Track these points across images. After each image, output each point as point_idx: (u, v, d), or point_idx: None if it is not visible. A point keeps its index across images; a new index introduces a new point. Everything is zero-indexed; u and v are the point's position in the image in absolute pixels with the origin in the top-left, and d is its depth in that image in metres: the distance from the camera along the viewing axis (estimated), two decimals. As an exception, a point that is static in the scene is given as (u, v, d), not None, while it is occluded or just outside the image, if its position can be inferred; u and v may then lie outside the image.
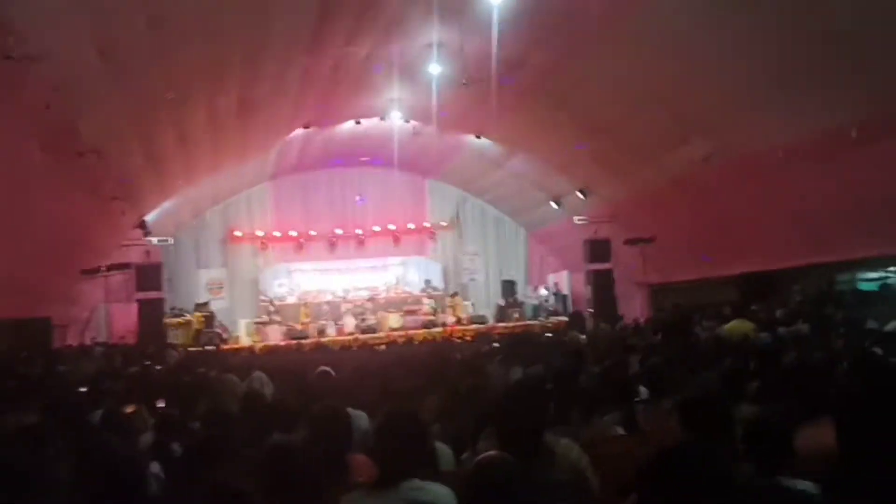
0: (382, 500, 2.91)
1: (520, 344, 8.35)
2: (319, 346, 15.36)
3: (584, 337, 11.08)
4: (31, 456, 3.33)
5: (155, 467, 3.73)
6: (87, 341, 16.98)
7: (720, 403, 3.89)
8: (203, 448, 3.46)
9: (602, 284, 20.37)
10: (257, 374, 6.77)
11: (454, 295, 24.07)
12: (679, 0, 11.15)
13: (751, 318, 10.55)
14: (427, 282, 25.08)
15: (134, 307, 18.26)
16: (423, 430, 3.40)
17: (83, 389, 7.34)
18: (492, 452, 3.13)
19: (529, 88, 15.93)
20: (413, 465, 3.18)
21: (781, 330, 9.72)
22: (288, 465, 3.02)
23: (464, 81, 14.79)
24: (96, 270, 16.81)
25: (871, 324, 9.20)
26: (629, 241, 18.99)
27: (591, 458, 4.05)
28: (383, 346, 16.11)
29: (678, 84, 13.37)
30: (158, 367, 11.60)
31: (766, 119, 12.82)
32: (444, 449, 4.12)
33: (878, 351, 6.52)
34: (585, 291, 21.31)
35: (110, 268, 17.15)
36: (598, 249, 20.32)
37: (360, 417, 4.91)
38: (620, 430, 4.89)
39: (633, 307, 20.01)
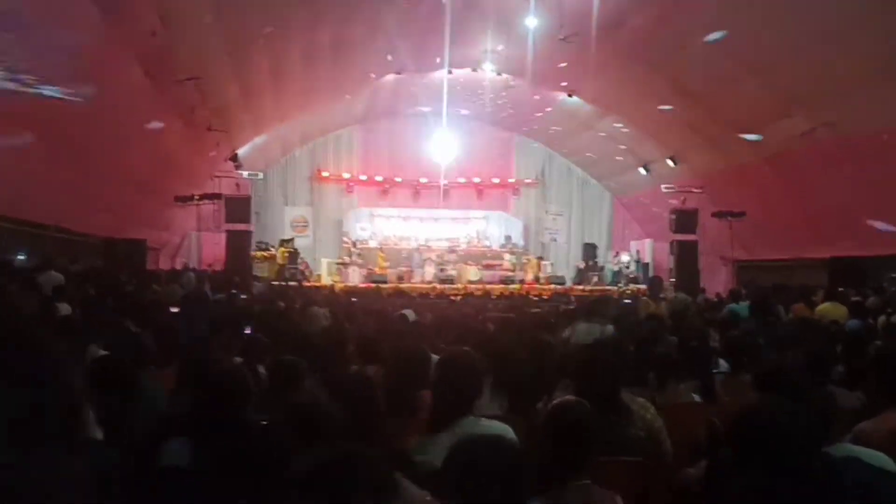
0: (441, 441, 2.95)
1: (598, 303, 8.31)
2: (398, 292, 15.55)
3: (656, 304, 10.90)
4: (135, 364, 3.51)
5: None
6: (178, 266, 17.61)
7: (802, 376, 3.79)
8: (287, 370, 3.58)
9: (686, 256, 19.92)
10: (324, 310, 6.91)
11: (539, 258, 23.95)
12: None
13: (841, 302, 10.17)
14: (507, 238, 25.12)
15: (222, 237, 18.80)
16: (476, 371, 3.43)
17: (174, 310, 7.68)
18: (569, 397, 3.15)
19: (627, 50, 15.55)
20: (467, 404, 3.22)
21: (871, 320, 9.37)
22: (364, 393, 3.09)
23: (561, 37, 14.54)
24: (189, 198, 17.31)
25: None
26: (718, 214, 18.50)
27: (665, 421, 4.02)
28: (460, 297, 16.21)
29: (783, 54, 12.85)
30: (244, 297, 11.97)
31: (873, 99, 12.23)
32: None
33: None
34: (668, 262, 20.91)
35: (202, 197, 17.63)
36: (684, 220, 19.84)
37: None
38: (697, 398, 4.85)
39: (717, 282, 19.56)
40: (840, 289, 12.43)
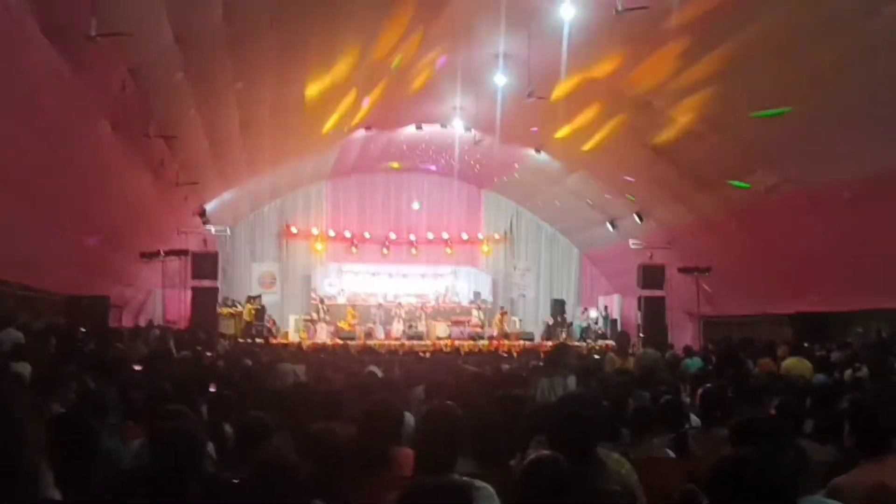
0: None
1: (556, 355, 8.26)
2: (367, 348, 15.41)
3: (623, 360, 11.02)
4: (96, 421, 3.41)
5: (209, 447, 3.77)
6: (141, 323, 17.29)
7: (775, 429, 3.79)
8: (254, 428, 3.48)
9: (653, 311, 20.08)
10: (299, 367, 6.79)
11: (504, 312, 23.92)
12: (752, 25, 10.98)
13: (807, 357, 10.29)
14: (476, 294, 25.10)
15: (187, 294, 18.56)
16: (461, 426, 3.37)
17: (137, 368, 7.49)
18: (544, 452, 3.09)
19: (594, 106, 15.83)
20: (452, 461, 3.16)
21: (837, 374, 9.47)
22: (331, 448, 3.03)
23: (528, 94, 14.77)
24: (155, 254, 17.11)
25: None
26: (684, 270, 18.72)
27: (639, 476, 3.98)
28: (429, 354, 16.08)
29: (746, 111, 13.16)
30: (209, 354, 11.78)
31: (835, 153, 12.54)
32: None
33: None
34: (636, 317, 21.01)
35: (168, 253, 17.44)
36: (651, 275, 20.04)
37: (408, 417, 4.92)
38: (670, 453, 4.81)
39: (684, 337, 19.67)
40: (805, 344, 12.60)
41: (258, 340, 18.31)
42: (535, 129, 17.36)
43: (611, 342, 21.46)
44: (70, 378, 4.92)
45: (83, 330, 12.14)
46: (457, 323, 22.85)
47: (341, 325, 21.97)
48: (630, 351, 12.34)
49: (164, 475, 2.62)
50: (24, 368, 6.53)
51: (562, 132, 17.79)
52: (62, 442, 3.03)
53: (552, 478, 2.80)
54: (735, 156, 14.54)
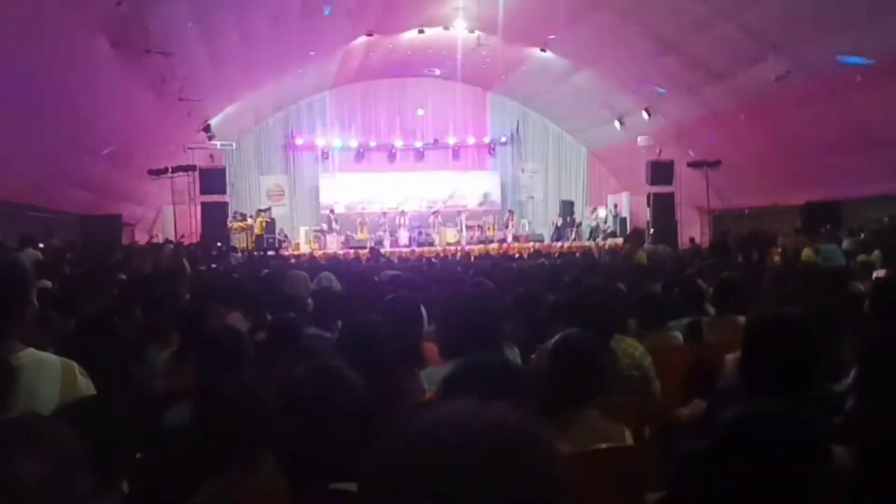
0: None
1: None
2: (378, 256, 15.52)
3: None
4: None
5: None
6: (154, 240, 17.45)
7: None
8: (286, 327, 3.54)
9: (663, 208, 20.02)
10: (325, 273, 6.87)
11: (511, 212, 24.02)
12: None
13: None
14: (485, 196, 25.08)
15: (197, 209, 18.64)
16: (483, 308, 3.42)
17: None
18: (575, 329, 3.14)
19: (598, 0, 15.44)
20: (473, 341, 3.16)
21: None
22: (368, 341, 3.10)
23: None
24: (163, 171, 17.12)
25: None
26: (694, 164, 18.59)
27: (654, 362, 4.06)
28: (440, 260, 16.21)
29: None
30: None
31: (846, 39, 12.26)
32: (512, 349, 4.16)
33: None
34: (646, 214, 20.99)
35: (176, 169, 17.42)
36: (660, 171, 19.88)
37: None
38: (680, 339, 4.90)
39: (693, 232, 19.71)
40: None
41: (270, 253, 18.47)
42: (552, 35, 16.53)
43: (620, 240, 21.56)
44: (99, 290, 5.02)
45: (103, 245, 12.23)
46: (466, 228, 22.96)
47: (351, 234, 22.07)
48: (644, 248, 12.39)
49: (209, 378, 2.68)
50: (45, 284, 6.67)
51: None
52: (103, 344, 3.12)
53: (586, 351, 2.86)
54: (744, 45, 14.23)
